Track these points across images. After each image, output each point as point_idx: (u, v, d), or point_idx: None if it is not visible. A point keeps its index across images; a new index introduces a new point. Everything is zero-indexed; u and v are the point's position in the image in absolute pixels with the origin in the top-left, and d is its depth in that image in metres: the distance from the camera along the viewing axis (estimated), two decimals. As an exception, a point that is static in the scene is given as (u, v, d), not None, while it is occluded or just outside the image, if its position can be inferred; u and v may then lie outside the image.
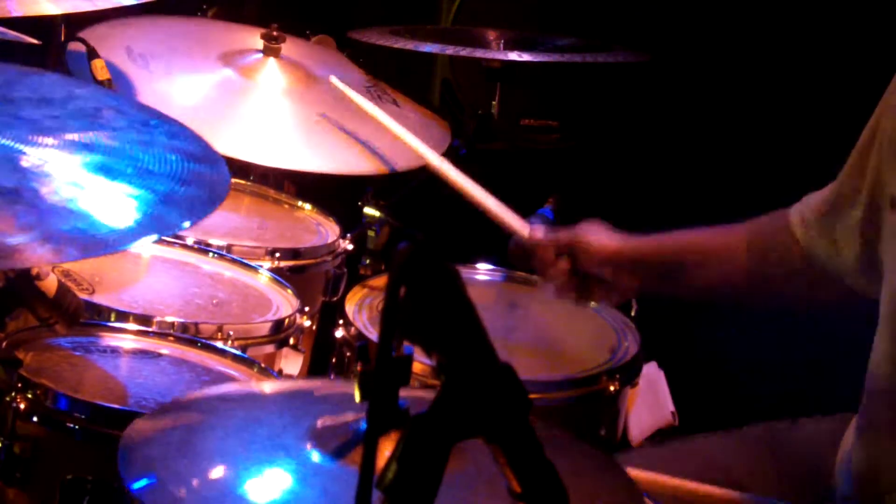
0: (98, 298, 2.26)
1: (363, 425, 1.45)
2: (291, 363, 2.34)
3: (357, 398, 1.24)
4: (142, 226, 1.58)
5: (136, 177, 1.66)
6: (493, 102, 3.55)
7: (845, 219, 1.97)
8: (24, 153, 1.62)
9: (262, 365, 2.17)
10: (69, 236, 1.50)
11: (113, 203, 1.59)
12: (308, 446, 1.53)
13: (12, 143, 1.64)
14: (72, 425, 1.87)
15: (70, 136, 1.70)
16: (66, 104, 1.82)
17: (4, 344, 1.97)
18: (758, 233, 2.12)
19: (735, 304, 2.23)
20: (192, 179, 1.70)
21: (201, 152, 1.80)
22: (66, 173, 1.61)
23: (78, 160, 1.65)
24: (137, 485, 1.48)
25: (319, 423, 1.57)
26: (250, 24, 3.14)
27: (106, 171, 1.65)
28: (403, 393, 1.23)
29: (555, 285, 2.26)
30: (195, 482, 1.49)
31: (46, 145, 1.66)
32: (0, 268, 1.71)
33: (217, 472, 1.53)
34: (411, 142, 2.52)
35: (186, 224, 1.63)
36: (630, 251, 2.21)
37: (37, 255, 1.50)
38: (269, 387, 1.99)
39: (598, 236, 2.22)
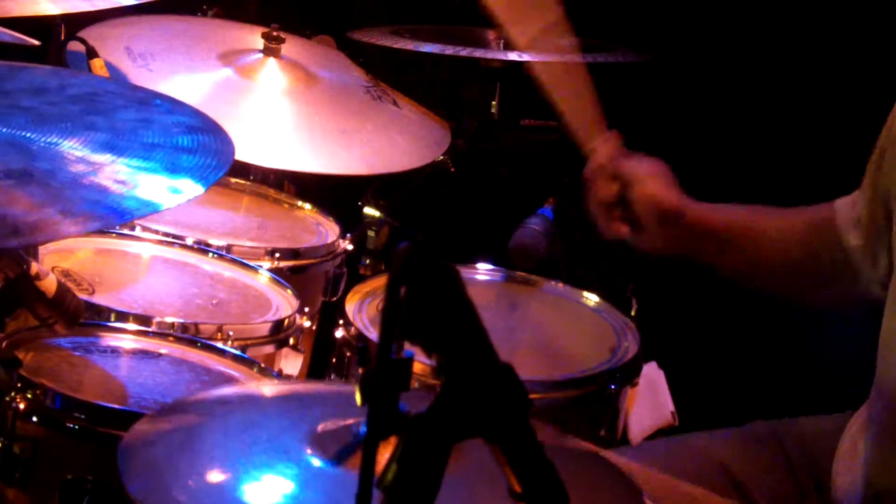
0: (98, 298, 2.26)
1: (363, 429, 1.45)
2: (291, 363, 2.34)
3: (357, 401, 1.24)
4: (157, 193, 1.61)
5: (142, 150, 1.67)
6: (493, 102, 3.55)
7: (878, 232, 1.96)
8: (29, 137, 1.64)
9: (262, 365, 2.17)
10: (88, 209, 1.52)
11: (125, 175, 1.60)
12: (308, 450, 1.53)
13: (15, 131, 1.65)
14: (72, 425, 1.86)
15: (71, 119, 1.72)
16: (61, 92, 1.84)
17: (4, 344, 1.97)
18: (812, 222, 2.08)
19: (774, 292, 2.18)
20: (198, 149, 1.72)
21: (202, 124, 1.82)
22: (73, 153, 1.62)
23: (82, 140, 1.66)
24: (137, 488, 1.47)
25: (320, 427, 1.57)
26: (250, 23, 3.14)
27: (112, 147, 1.66)
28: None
29: (597, 206, 2.19)
30: (195, 485, 1.49)
31: (49, 128, 1.67)
32: (23, 244, 1.72)
33: (217, 475, 1.53)
34: None
35: (202, 189, 1.64)
36: (689, 213, 2.13)
37: (59, 229, 1.52)
38: (268, 389, 1.99)
39: (658, 184, 2.15)
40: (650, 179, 2.15)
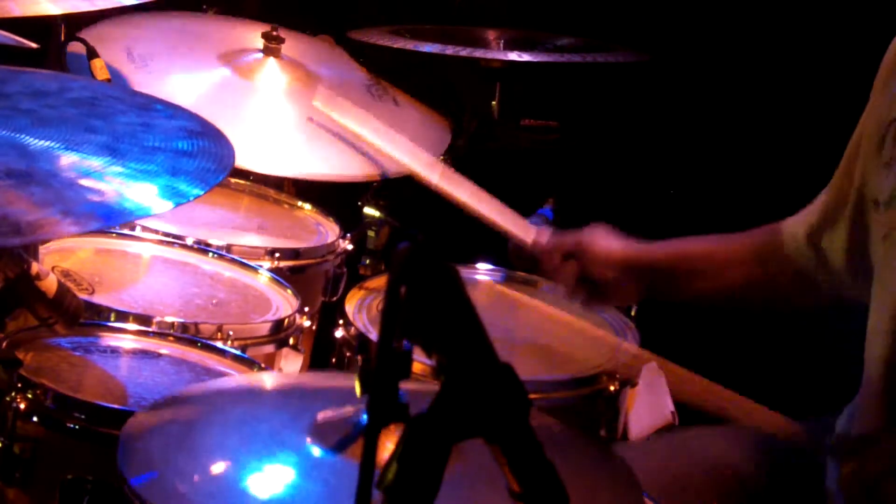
0: (98, 298, 2.26)
1: (363, 419, 1.46)
2: (291, 363, 2.34)
3: (357, 392, 1.25)
4: (158, 195, 1.61)
5: (142, 154, 1.68)
6: (493, 102, 3.55)
7: (834, 228, 2.02)
8: (29, 139, 1.64)
9: (262, 365, 2.17)
10: (89, 209, 1.53)
11: (125, 178, 1.61)
12: (308, 440, 1.53)
13: (15, 134, 1.66)
14: (72, 425, 1.87)
15: (71, 122, 1.72)
16: (61, 95, 1.84)
17: (4, 344, 1.97)
18: (759, 245, 2.18)
19: (736, 308, 2.27)
20: (198, 153, 1.72)
21: (202, 129, 1.82)
22: (73, 154, 1.63)
23: (82, 142, 1.67)
24: (138, 480, 1.48)
25: (320, 416, 1.57)
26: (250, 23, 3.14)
27: (112, 150, 1.67)
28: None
29: (564, 288, 2.29)
30: (196, 477, 1.50)
31: (49, 131, 1.68)
32: (24, 242, 1.73)
33: (218, 466, 1.53)
34: (400, 156, 2.51)
35: (199, 192, 1.64)
36: (636, 257, 2.25)
37: (59, 229, 1.53)
38: (268, 381, 1.99)
39: (603, 241, 2.26)
40: (596, 240, 2.26)
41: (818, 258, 2.05)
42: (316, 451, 1.52)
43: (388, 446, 1.20)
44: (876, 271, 1.91)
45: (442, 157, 2.93)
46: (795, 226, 2.10)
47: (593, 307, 2.40)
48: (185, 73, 2.86)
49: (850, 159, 1.98)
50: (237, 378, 2.09)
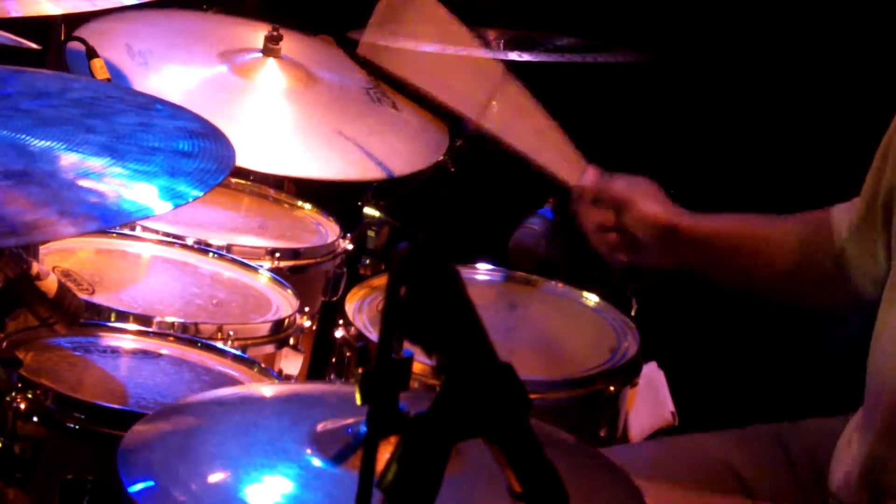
0: (98, 298, 2.26)
1: (363, 429, 1.45)
2: (291, 363, 2.34)
3: (358, 401, 1.25)
4: (156, 196, 1.61)
5: (142, 154, 1.68)
6: (494, 102, 3.54)
7: (868, 237, 2.00)
8: (29, 139, 1.64)
9: (262, 365, 2.17)
10: (86, 210, 1.53)
11: (124, 178, 1.61)
12: (308, 450, 1.53)
13: (14, 134, 1.66)
14: (72, 425, 1.87)
15: (72, 122, 1.72)
16: (63, 95, 1.84)
17: (4, 344, 1.97)
18: (808, 228, 2.12)
19: (773, 298, 2.21)
20: (198, 153, 1.72)
21: (203, 129, 1.82)
22: (72, 155, 1.63)
23: (82, 142, 1.67)
24: (137, 489, 1.48)
25: (319, 427, 1.57)
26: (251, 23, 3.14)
27: (112, 150, 1.67)
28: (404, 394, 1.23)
29: (594, 237, 2.22)
30: (195, 487, 1.49)
31: (49, 131, 1.68)
32: (20, 243, 1.73)
33: (217, 476, 1.53)
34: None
35: (198, 193, 1.64)
36: (685, 227, 2.16)
37: (56, 229, 1.54)
38: (267, 390, 1.99)
39: (648, 202, 2.17)
40: (642, 199, 2.18)
41: (861, 252, 2.02)
42: (316, 462, 1.52)
43: (387, 457, 1.20)
44: (892, 275, 1.89)
45: (443, 157, 2.93)
46: (845, 216, 2.06)
47: (616, 260, 2.26)
48: (184, 69, 2.86)
49: (878, 167, 1.96)
50: (237, 387, 2.08)
